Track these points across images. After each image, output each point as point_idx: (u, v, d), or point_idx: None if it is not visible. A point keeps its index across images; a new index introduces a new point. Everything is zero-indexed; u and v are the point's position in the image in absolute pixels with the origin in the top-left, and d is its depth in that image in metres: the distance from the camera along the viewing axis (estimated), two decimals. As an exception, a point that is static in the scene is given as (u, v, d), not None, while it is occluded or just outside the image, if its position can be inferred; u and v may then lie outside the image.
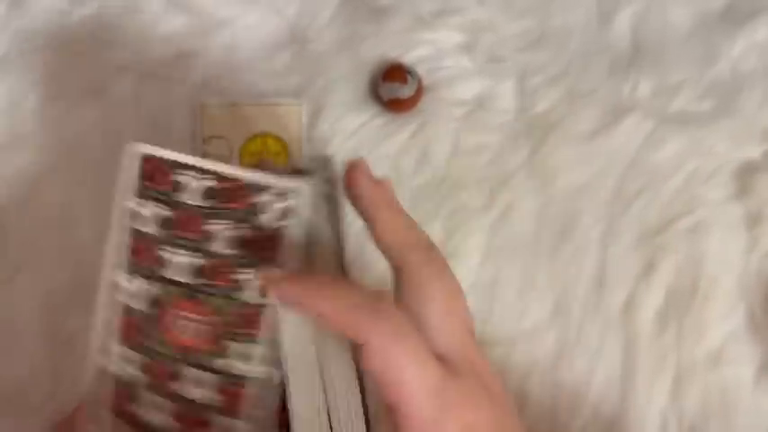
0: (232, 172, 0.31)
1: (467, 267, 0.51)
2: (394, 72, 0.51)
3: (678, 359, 0.50)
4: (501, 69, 0.52)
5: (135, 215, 0.31)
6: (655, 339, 0.50)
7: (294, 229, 0.31)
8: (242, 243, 0.31)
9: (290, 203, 0.31)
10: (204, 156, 0.51)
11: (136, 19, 0.53)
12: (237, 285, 0.32)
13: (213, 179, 0.31)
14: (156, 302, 0.32)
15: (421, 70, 0.52)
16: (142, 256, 0.32)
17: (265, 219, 0.31)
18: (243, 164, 0.52)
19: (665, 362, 0.50)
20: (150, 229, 0.32)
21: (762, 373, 0.50)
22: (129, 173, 0.31)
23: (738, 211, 0.51)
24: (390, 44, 0.52)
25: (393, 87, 0.50)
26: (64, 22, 0.53)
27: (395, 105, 0.51)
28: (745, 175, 0.51)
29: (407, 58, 0.52)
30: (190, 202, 0.31)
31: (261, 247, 0.31)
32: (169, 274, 0.32)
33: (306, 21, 0.53)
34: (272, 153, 0.52)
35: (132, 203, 0.31)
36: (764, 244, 0.51)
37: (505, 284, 0.51)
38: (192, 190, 0.31)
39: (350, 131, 0.52)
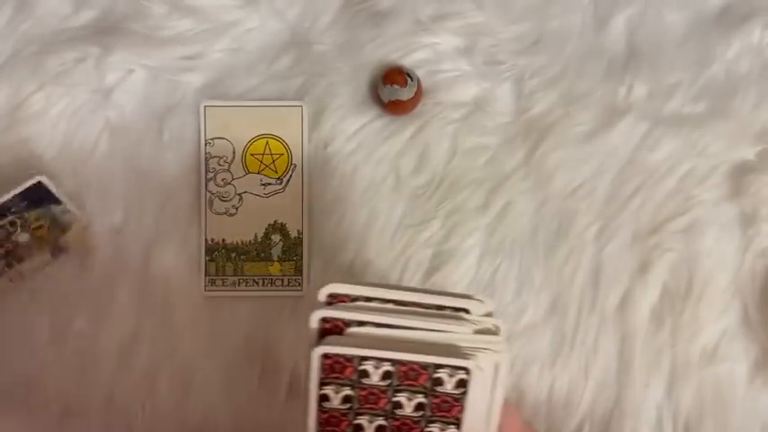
0: (409, 357, 0.35)
1: (465, 266, 0.52)
2: (394, 75, 0.51)
3: (673, 356, 0.50)
4: (499, 72, 0.53)
5: (323, 398, 0.36)
6: (650, 337, 0.50)
7: (475, 394, 0.36)
8: (426, 407, 0.36)
9: (465, 377, 0.35)
10: (207, 156, 0.52)
11: (140, 22, 0.53)
12: None
13: (390, 365, 0.35)
14: None
15: (420, 73, 0.53)
16: (335, 428, 0.37)
17: (445, 389, 0.35)
18: (248, 165, 0.52)
19: (661, 359, 0.50)
20: (340, 405, 0.36)
21: (755, 370, 0.50)
22: (315, 371, 0.35)
23: (732, 211, 0.52)
24: (390, 47, 0.53)
25: (393, 90, 0.51)
26: (69, 24, 0.53)
27: (395, 107, 0.52)
28: (739, 175, 0.52)
29: (407, 61, 0.53)
30: (373, 383, 0.36)
31: (445, 409, 0.36)
32: None
33: (307, 24, 0.53)
34: (275, 155, 0.53)
35: (320, 391, 0.36)
36: (758, 243, 0.51)
37: (503, 283, 0.51)
38: (373, 374, 0.35)
39: (351, 133, 0.53)
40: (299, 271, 0.52)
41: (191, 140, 0.53)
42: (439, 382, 0.35)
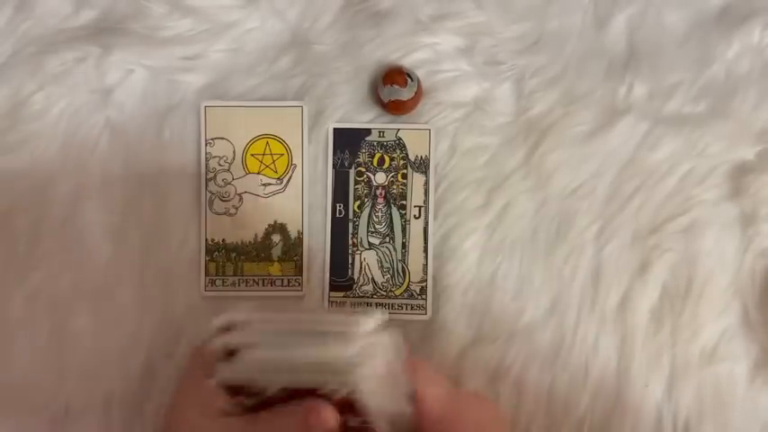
0: (295, 385, 0.37)
1: (465, 266, 0.52)
2: (394, 75, 0.51)
3: (673, 357, 0.50)
4: (499, 72, 0.53)
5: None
6: (650, 337, 0.50)
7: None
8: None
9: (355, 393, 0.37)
10: (207, 156, 0.52)
11: (140, 22, 0.53)
12: None
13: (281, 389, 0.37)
14: None
15: (420, 73, 0.53)
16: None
17: (342, 394, 0.37)
18: (248, 165, 0.52)
19: (661, 359, 0.50)
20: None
21: (756, 370, 0.50)
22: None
23: (733, 212, 0.52)
24: (390, 47, 0.53)
25: (393, 90, 0.51)
26: (69, 24, 0.53)
27: (395, 107, 0.52)
28: (740, 175, 0.52)
29: (407, 61, 0.53)
30: (273, 394, 0.38)
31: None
32: None
33: (307, 24, 0.53)
34: (275, 155, 0.53)
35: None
36: (758, 243, 0.51)
37: (503, 283, 0.51)
38: (270, 391, 0.38)
39: (350, 133, 0.53)
40: (299, 271, 0.52)
41: (191, 140, 0.53)
42: (333, 392, 0.37)
